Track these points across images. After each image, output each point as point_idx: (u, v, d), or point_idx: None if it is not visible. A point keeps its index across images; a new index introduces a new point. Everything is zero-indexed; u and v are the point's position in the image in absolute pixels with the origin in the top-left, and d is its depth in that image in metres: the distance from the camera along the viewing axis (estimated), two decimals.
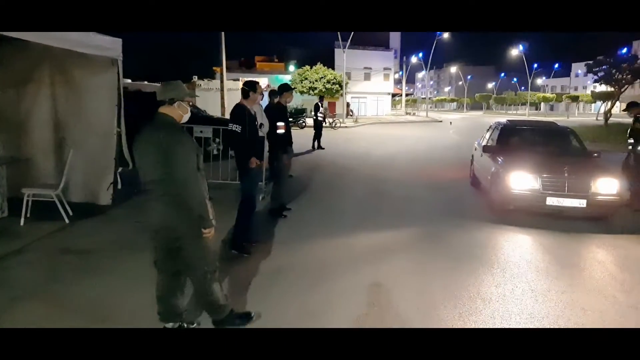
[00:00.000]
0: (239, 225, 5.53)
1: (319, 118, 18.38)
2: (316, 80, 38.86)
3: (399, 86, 68.71)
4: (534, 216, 7.48)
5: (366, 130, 30.88)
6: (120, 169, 7.58)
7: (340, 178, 11.33)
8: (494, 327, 3.96)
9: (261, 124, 8.52)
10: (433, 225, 7.09)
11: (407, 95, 74.73)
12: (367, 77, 58.68)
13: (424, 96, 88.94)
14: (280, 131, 7.23)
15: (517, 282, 4.94)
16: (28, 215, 6.49)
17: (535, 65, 75.29)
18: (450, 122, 40.66)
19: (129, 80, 26.56)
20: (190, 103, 3.51)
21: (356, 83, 55.97)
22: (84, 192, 7.46)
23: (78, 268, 4.92)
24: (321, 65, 40.02)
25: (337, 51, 47.17)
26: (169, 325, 3.60)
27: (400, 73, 66.61)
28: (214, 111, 21.48)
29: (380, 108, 60.60)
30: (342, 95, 39.39)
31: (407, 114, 65.92)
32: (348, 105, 48.35)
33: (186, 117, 3.47)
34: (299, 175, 11.29)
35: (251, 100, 5.67)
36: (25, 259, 5.14)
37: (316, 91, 38.76)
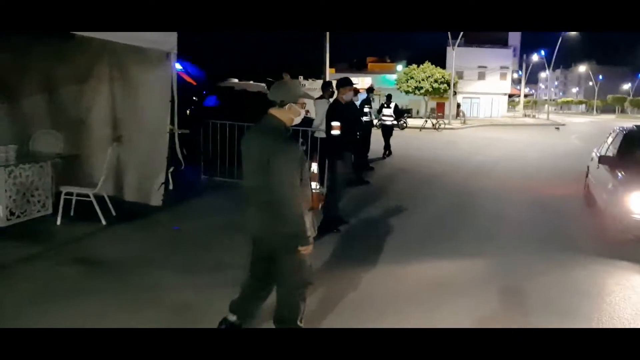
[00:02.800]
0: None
1: (385, 121, 14.59)
2: (422, 80, 37.10)
3: (517, 86, 63.79)
4: None
5: (473, 133, 28.62)
6: (172, 169, 7.15)
7: (425, 186, 10.05)
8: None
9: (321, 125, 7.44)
10: (521, 257, 5.67)
11: (526, 96, 69.25)
12: (481, 76, 55.08)
13: (547, 97, 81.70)
14: (335, 132, 6.28)
15: None
16: (72, 214, 6.24)
17: None
18: (557, 128, 35.97)
19: (236, 80, 27.13)
20: (305, 106, 3.20)
21: (469, 83, 52.80)
22: (137, 192, 7.12)
23: (76, 283, 4.38)
24: (429, 63, 38.08)
25: (449, 50, 44.76)
26: (231, 317, 3.40)
27: (519, 72, 61.77)
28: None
29: (495, 109, 56.56)
30: (452, 95, 37.12)
31: (525, 116, 60.94)
32: (459, 106, 45.76)
33: (297, 120, 3.18)
34: (378, 182, 10.22)
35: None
36: (34, 267, 4.72)
37: (422, 91, 37.02)
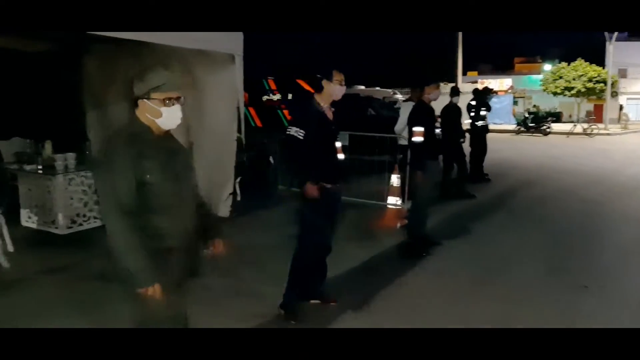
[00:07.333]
0: (289, 280, 3.95)
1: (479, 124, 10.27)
2: (574, 79, 32.91)
3: None
4: None
5: (634, 140, 24.40)
6: (239, 179, 6.76)
7: (544, 205, 8.33)
8: None
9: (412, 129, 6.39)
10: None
11: None
12: None
13: None
14: (417, 139, 5.31)
15: None
16: None
17: None
18: None
19: (363, 87, 26.55)
20: (180, 101, 2.38)
21: (635, 82, 45.76)
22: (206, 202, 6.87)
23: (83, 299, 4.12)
24: (582, 60, 33.69)
25: (608, 45, 39.19)
26: None
27: None
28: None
29: None
30: (609, 95, 32.31)
31: None
32: (621, 108, 39.90)
33: (165, 122, 2.34)
34: (487, 196, 8.82)
35: (326, 95, 3.85)
36: (53, 278, 4.59)
37: (573, 91, 32.88)
